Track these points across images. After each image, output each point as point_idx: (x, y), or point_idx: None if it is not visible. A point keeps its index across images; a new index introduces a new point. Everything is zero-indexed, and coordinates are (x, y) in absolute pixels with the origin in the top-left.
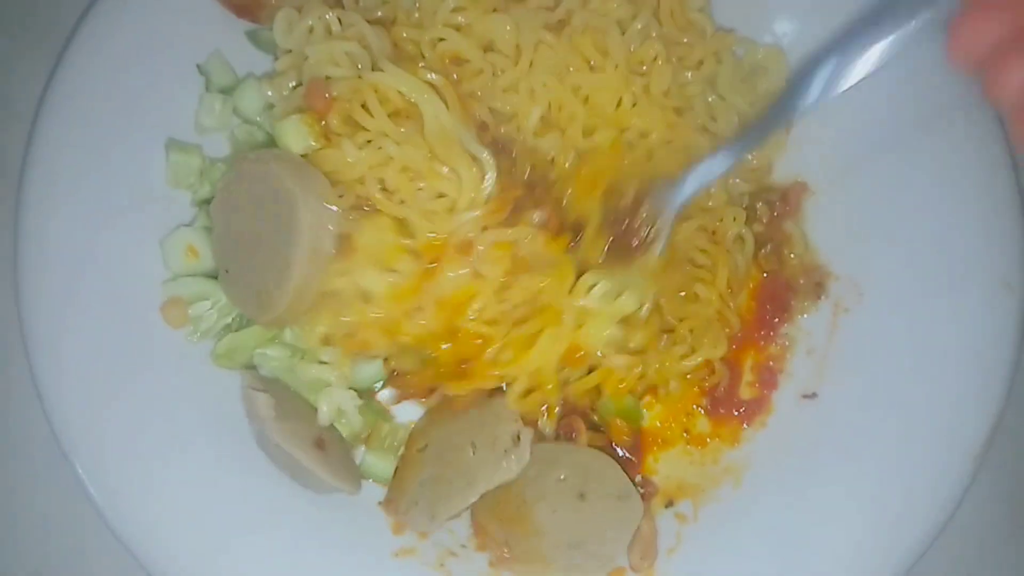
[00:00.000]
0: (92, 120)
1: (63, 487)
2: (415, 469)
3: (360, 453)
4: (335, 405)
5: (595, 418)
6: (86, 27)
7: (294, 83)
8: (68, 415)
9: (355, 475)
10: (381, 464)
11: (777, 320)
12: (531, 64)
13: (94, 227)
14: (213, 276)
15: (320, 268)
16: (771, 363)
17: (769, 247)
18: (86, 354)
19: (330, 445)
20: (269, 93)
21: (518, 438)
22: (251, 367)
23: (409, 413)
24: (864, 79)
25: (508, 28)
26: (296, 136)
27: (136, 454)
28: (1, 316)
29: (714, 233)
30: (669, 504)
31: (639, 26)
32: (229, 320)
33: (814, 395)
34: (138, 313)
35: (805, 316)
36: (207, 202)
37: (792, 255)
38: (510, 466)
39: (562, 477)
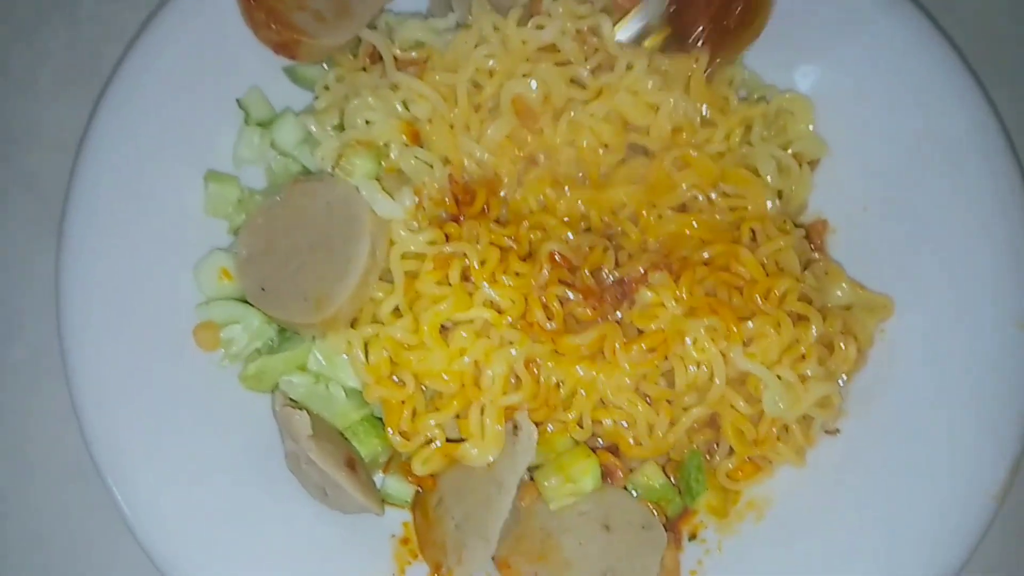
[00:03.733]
0: (134, 151)
1: (95, 505)
2: (442, 524)
3: (379, 479)
4: None
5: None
6: (130, 61)
7: (336, 121)
8: (103, 434)
9: (379, 497)
10: (402, 487)
11: None
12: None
13: (134, 254)
14: (245, 301)
15: (376, 270)
16: None
17: None
18: (123, 375)
19: (359, 466)
20: (313, 128)
21: (516, 427)
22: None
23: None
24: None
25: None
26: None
27: (169, 473)
28: (41, 337)
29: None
30: (693, 536)
31: (672, 102)
32: (259, 344)
33: (836, 431)
34: (174, 336)
35: None
36: None
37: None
38: (526, 447)
39: (583, 510)
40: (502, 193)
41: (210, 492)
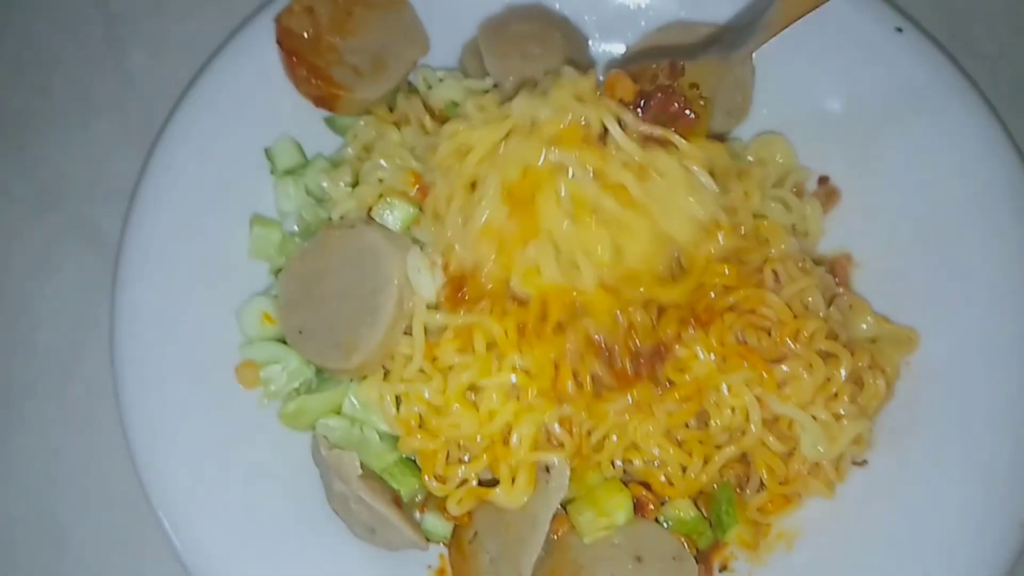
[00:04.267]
0: (184, 199)
1: (146, 536)
2: (477, 558)
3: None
4: None
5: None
6: (180, 113)
7: (348, 178)
8: (154, 466)
9: (422, 532)
10: (440, 523)
11: None
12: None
13: (183, 296)
14: (285, 342)
15: (403, 319)
16: None
17: None
18: (173, 411)
19: (402, 503)
20: (324, 184)
21: (547, 468)
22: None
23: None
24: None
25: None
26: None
27: (217, 504)
28: (97, 375)
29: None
30: (724, 567)
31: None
32: (297, 384)
33: (864, 462)
34: (221, 375)
35: None
36: None
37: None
38: (559, 485)
39: (615, 542)
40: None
41: (257, 526)
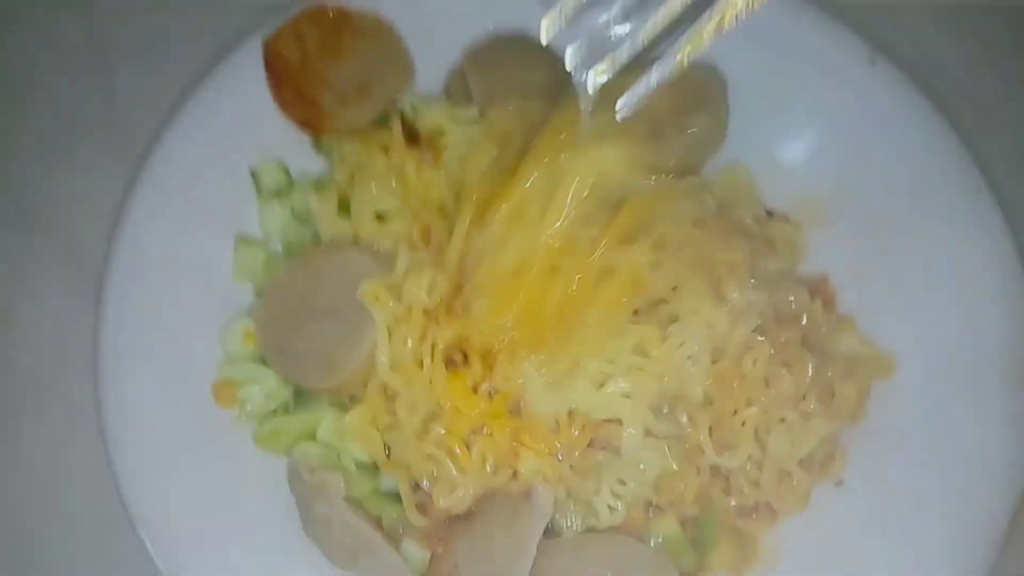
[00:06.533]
0: (170, 220)
1: (128, 556)
2: None
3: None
4: None
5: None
6: (167, 131)
7: (335, 202)
8: (136, 487)
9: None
10: (419, 552)
11: None
12: None
13: (169, 316)
14: (265, 363)
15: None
16: None
17: None
18: (155, 430)
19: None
20: (313, 205)
21: (527, 493)
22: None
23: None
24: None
25: None
26: None
27: (201, 525)
28: (79, 397)
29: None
30: None
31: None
32: (274, 406)
33: (840, 482)
34: (202, 397)
35: None
36: None
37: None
38: (543, 506)
39: (598, 561)
40: None
41: (239, 553)
